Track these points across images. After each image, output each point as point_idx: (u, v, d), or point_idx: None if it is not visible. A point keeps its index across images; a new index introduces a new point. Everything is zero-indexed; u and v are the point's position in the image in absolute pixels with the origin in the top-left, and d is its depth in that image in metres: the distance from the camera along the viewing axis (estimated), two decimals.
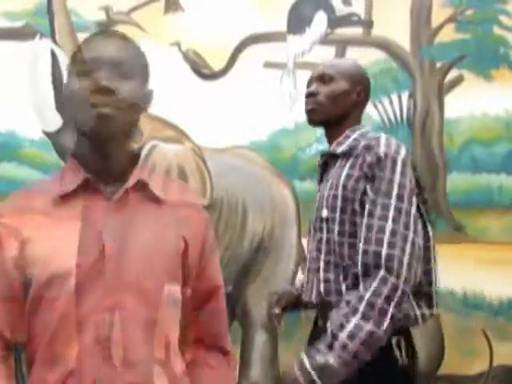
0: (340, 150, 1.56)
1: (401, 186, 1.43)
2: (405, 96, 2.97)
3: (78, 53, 1.10)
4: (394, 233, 1.39)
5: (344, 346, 1.34)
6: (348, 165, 1.52)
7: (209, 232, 1.23)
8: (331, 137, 1.63)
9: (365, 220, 1.43)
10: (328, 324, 1.41)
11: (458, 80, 2.95)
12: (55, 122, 2.85)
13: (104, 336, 1.01)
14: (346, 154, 1.54)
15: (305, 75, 2.95)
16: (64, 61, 2.83)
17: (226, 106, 2.89)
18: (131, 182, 1.10)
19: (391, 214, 1.40)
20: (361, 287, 1.38)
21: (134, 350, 1.02)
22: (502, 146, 2.93)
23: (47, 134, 2.89)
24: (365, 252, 1.40)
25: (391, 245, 1.38)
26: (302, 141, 2.94)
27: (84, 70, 1.07)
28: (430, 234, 1.57)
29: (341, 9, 2.99)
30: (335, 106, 1.59)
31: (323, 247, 1.54)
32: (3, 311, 1.09)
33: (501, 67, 2.95)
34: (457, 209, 2.90)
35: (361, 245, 1.41)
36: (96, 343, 1.01)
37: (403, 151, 1.48)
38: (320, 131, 2.91)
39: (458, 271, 2.81)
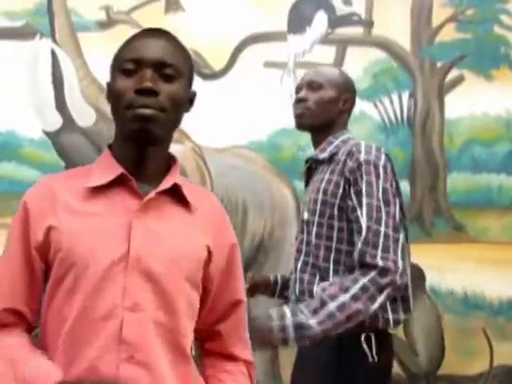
0: (322, 156, 1.64)
1: (384, 191, 1.49)
2: (405, 96, 2.97)
3: (124, 51, 1.09)
4: (387, 236, 1.44)
5: (330, 315, 1.39)
6: (329, 170, 1.59)
7: (235, 245, 1.22)
8: (317, 142, 1.71)
9: (356, 222, 1.48)
10: (316, 290, 1.47)
11: (459, 80, 2.95)
12: (55, 121, 2.85)
13: (119, 335, 0.99)
14: (328, 160, 1.62)
15: None
16: (64, 60, 2.83)
17: (226, 106, 2.89)
18: (166, 184, 1.08)
19: (382, 217, 1.45)
20: (358, 273, 1.43)
21: (148, 352, 1.00)
22: (502, 145, 2.93)
23: (47, 134, 2.90)
24: (361, 254, 1.44)
25: (386, 248, 1.43)
26: (302, 140, 2.93)
27: (128, 69, 1.06)
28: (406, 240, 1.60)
29: (341, 8, 2.99)
30: (323, 113, 1.66)
31: (303, 248, 1.62)
32: (26, 294, 1.05)
33: (501, 67, 2.95)
34: (457, 209, 2.90)
35: (357, 246, 1.45)
36: (111, 342, 0.99)
37: (383, 157, 1.54)
38: None
39: (458, 271, 2.81)
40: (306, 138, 2.95)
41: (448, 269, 2.80)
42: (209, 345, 1.18)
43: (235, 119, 2.89)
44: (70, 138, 2.87)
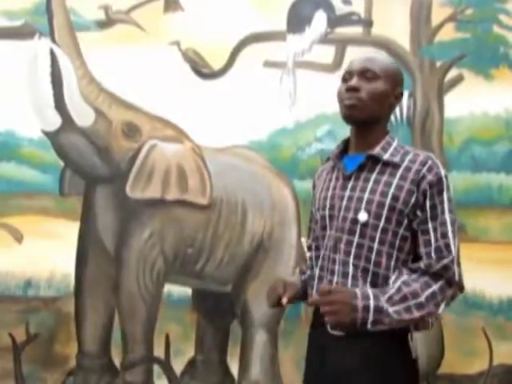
0: (386, 157, 1.54)
1: (452, 202, 1.54)
2: (405, 95, 2.96)
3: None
4: (459, 253, 1.51)
5: (407, 309, 1.42)
6: (398, 175, 1.51)
7: None
8: (363, 136, 1.59)
9: (424, 234, 1.50)
10: (396, 283, 1.47)
11: (458, 79, 2.95)
12: (54, 121, 2.85)
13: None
14: (393, 164, 1.53)
15: (305, 74, 2.97)
16: (63, 60, 2.83)
17: (225, 106, 2.89)
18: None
19: (456, 233, 1.51)
20: (429, 278, 1.46)
21: None
22: (501, 145, 2.93)
23: (46, 134, 2.89)
24: (445, 267, 1.47)
25: (459, 264, 1.50)
26: (301, 140, 2.94)
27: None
28: None
29: (341, 8, 2.99)
30: (375, 106, 1.54)
31: (353, 251, 1.53)
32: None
33: (501, 66, 2.95)
34: (456, 208, 2.87)
35: (440, 256, 1.48)
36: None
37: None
38: (320, 131, 2.93)
39: None
40: (305, 137, 2.97)
41: None
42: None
43: (234, 119, 2.89)
44: (69, 137, 2.87)
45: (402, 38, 2.95)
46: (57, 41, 2.86)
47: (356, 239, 1.53)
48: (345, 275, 1.53)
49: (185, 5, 2.99)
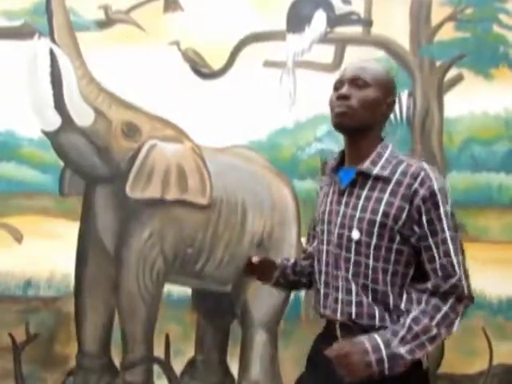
0: (376, 171, 1.51)
1: (453, 216, 1.50)
2: (404, 95, 2.96)
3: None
4: (464, 265, 1.50)
5: (420, 345, 1.42)
6: (388, 191, 1.49)
7: None
8: (354, 147, 1.57)
9: (427, 250, 1.48)
10: (406, 320, 1.45)
11: (458, 79, 2.95)
12: (54, 121, 2.85)
13: None
14: (383, 178, 1.50)
15: (304, 74, 2.97)
16: (63, 60, 2.83)
17: (225, 106, 2.89)
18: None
19: (458, 246, 1.49)
20: (438, 300, 1.46)
21: None
22: (501, 144, 2.93)
23: (46, 134, 2.89)
24: (454, 286, 1.47)
25: (466, 277, 1.49)
26: (301, 140, 2.94)
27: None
28: None
29: (340, 7, 2.98)
30: (366, 114, 1.52)
31: (351, 268, 1.53)
32: None
33: (500, 66, 2.94)
34: (456, 208, 2.87)
35: (447, 275, 1.47)
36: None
37: (444, 180, 1.53)
38: (320, 131, 2.93)
39: None
40: (305, 137, 2.97)
41: None
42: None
43: (234, 119, 2.89)
44: (68, 137, 2.87)
45: (402, 37, 2.95)
46: (56, 41, 2.86)
47: (353, 256, 1.53)
48: (348, 292, 1.54)
49: (184, 5, 2.99)
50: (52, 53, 2.84)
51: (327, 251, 1.59)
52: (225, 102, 2.90)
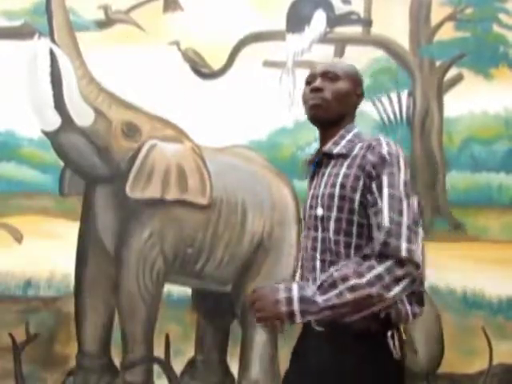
0: (336, 150, 1.57)
1: (406, 184, 1.48)
2: (404, 95, 2.97)
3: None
4: (409, 228, 1.42)
5: (338, 295, 1.37)
6: (345, 164, 1.53)
7: None
8: (327, 135, 1.63)
9: (380, 213, 1.44)
10: (328, 272, 1.43)
11: (458, 78, 2.95)
12: (54, 121, 2.85)
13: None
14: (343, 155, 1.55)
15: (304, 74, 2.97)
16: (62, 60, 2.83)
17: (225, 105, 2.89)
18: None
19: (404, 209, 1.43)
20: (374, 261, 1.39)
21: None
22: (501, 144, 2.93)
23: (46, 134, 2.89)
24: (385, 244, 1.40)
25: (409, 240, 1.40)
26: (301, 140, 2.94)
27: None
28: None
29: (340, 7, 2.99)
30: (339, 105, 1.59)
31: (319, 246, 1.54)
32: None
33: (500, 66, 2.95)
34: (456, 207, 2.90)
35: (380, 236, 1.41)
36: None
37: (402, 151, 1.53)
38: None
39: (457, 270, 2.81)
40: (305, 137, 2.97)
41: (447, 268, 2.80)
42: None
43: (234, 119, 2.89)
44: (68, 137, 2.87)
45: (402, 37, 2.95)
46: (56, 41, 2.86)
47: (319, 234, 1.54)
48: (313, 269, 1.54)
49: (184, 5, 2.99)
50: (52, 53, 2.84)
51: (306, 236, 1.61)
52: (225, 101, 2.90)
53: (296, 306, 1.37)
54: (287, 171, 2.94)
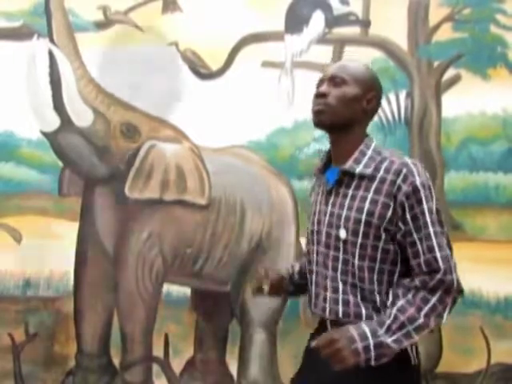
0: (359, 170, 1.53)
1: (438, 212, 1.51)
2: (402, 95, 2.97)
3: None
4: (452, 259, 1.49)
5: (406, 335, 1.43)
6: (372, 189, 1.51)
7: None
8: (338, 146, 1.60)
9: (412, 246, 1.49)
10: (391, 310, 1.46)
11: (456, 79, 2.96)
12: (53, 121, 2.85)
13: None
14: (369, 177, 1.52)
15: (303, 74, 2.98)
16: (61, 61, 2.83)
17: (224, 106, 2.90)
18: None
19: (445, 242, 1.49)
20: (426, 293, 1.46)
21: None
22: (499, 144, 2.94)
23: (45, 134, 2.90)
24: (441, 281, 1.46)
25: (452, 270, 1.48)
26: (300, 140, 2.95)
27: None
28: None
29: (338, 8, 2.99)
30: (344, 110, 1.54)
31: (339, 267, 1.54)
32: None
33: (498, 66, 2.95)
34: (454, 207, 2.90)
35: (435, 274, 1.47)
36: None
37: (428, 177, 1.54)
38: (318, 131, 2.93)
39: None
40: (304, 137, 2.98)
41: None
42: None
43: (233, 119, 2.90)
44: (67, 138, 2.87)
45: (400, 37, 2.96)
46: (55, 41, 2.86)
47: (341, 255, 1.54)
48: (335, 291, 1.56)
49: (183, 5, 2.99)
50: (51, 53, 2.85)
51: (317, 251, 1.61)
52: (223, 102, 2.91)
53: (373, 353, 1.41)
54: (286, 171, 2.95)
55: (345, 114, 1.55)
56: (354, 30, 3.00)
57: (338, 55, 2.97)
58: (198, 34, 2.94)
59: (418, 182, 1.47)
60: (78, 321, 2.93)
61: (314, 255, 1.63)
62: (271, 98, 2.91)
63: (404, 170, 1.48)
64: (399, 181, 1.47)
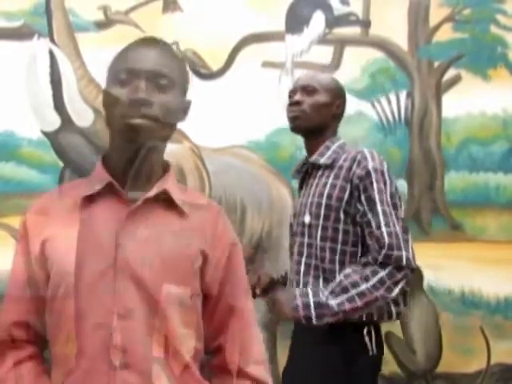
0: (322, 160, 1.71)
1: (392, 196, 1.61)
2: (403, 95, 2.97)
3: (118, 61, 1.16)
4: (403, 239, 1.56)
5: (350, 299, 1.50)
6: (332, 175, 1.66)
7: (233, 245, 1.18)
8: (310, 146, 1.78)
9: (367, 226, 1.58)
10: (339, 276, 1.56)
11: (456, 79, 2.96)
12: (53, 121, 2.86)
13: (103, 336, 1.02)
14: (329, 165, 1.69)
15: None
16: (62, 61, 2.84)
17: (224, 106, 2.90)
18: (153, 191, 1.10)
19: (395, 221, 1.57)
20: (377, 266, 1.53)
21: (132, 351, 1.02)
22: (499, 144, 2.94)
23: (45, 134, 2.90)
24: (387, 256, 1.53)
25: (406, 249, 1.55)
26: (300, 140, 2.90)
27: (122, 79, 1.09)
28: None
29: (339, 8, 2.99)
30: (317, 116, 1.74)
31: (304, 251, 1.67)
32: (35, 308, 1.10)
33: (498, 66, 2.96)
34: (454, 207, 2.91)
35: (381, 249, 1.54)
36: (104, 349, 1.02)
37: (385, 163, 1.66)
38: None
39: (455, 270, 2.82)
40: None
41: (445, 267, 2.81)
42: (214, 360, 1.17)
43: (233, 119, 2.89)
44: (68, 138, 2.87)
45: (400, 38, 2.96)
46: (56, 41, 2.86)
47: (306, 240, 1.67)
48: (298, 273, 1.68)
49: (184, 5, 2.99)
50: (51, 53, 2.85)
51: (295, 241, 1.74)
52: (223, 102, 2.91)
53: (313, 311, 1.50)
54: (286, 171, 2.94)
55: (318, 119, 1.74)
56: (354, 31, 3.00)
57: (338, 55, 2.97)
58: (199, 34, 2.94)
59: (370, 166, 1.61)
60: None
61: (294, 247, 1.75)
62: (271, 97, 2.91)
63: (358, 156, 1.64)
64: (354, 166, 1.63)
